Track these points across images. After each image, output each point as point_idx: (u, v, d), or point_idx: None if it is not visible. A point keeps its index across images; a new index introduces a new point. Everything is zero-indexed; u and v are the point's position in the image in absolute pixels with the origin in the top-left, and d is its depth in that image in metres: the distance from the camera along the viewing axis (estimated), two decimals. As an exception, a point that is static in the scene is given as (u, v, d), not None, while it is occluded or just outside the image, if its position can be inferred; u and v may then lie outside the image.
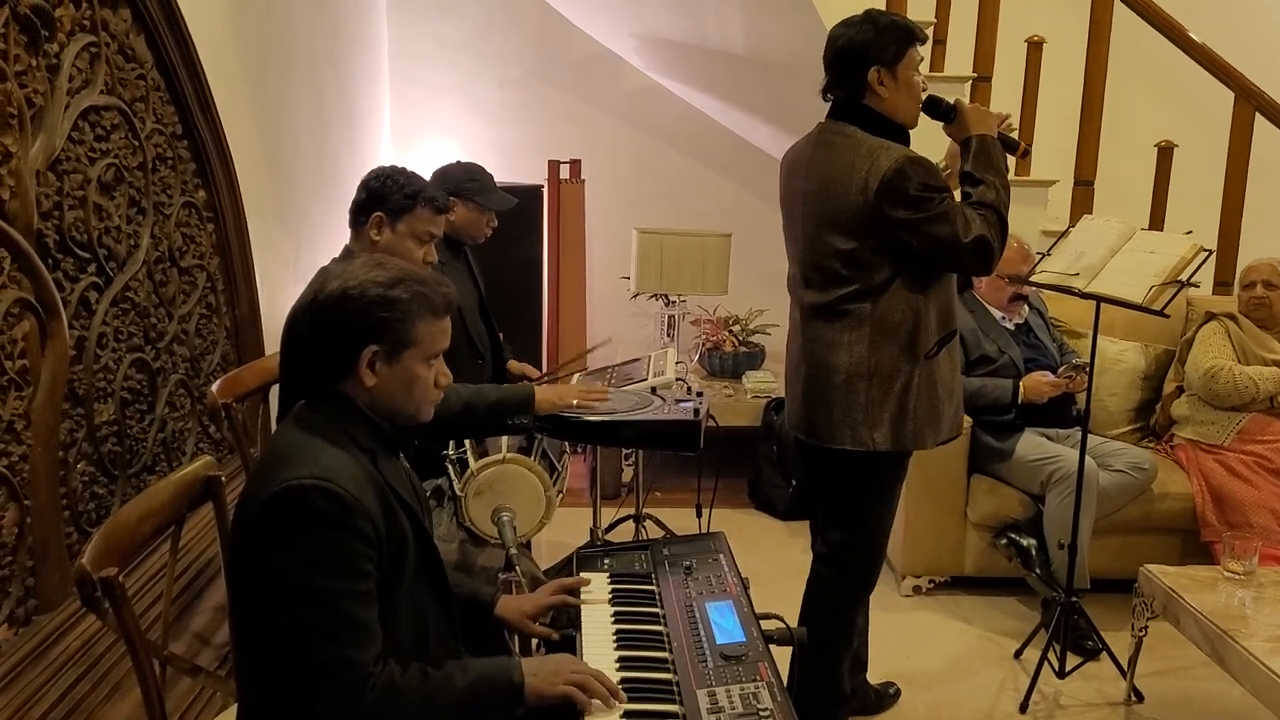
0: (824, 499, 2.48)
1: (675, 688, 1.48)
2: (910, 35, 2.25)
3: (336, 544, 1.35)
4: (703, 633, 1.61)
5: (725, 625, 1.62)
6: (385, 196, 2.30)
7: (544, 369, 4.58)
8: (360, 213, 2.33)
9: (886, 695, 2.77)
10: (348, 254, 2.36)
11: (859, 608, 2.54)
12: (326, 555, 1.35)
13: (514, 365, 3.08)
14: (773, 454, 4.18)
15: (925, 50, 3.24)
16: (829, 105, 2.34)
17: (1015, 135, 2.42)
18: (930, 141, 2.57)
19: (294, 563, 1.34)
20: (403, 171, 2.35)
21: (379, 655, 1.38)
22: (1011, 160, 2.40)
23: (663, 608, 1.72)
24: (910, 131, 2.31)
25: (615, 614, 1.71)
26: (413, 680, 1.40)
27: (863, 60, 2.22)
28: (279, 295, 3.15)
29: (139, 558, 2.06)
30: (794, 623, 2.43)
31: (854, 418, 2.27)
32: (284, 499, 1.35)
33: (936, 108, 2.33)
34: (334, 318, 1.44)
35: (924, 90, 2.30)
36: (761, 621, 1.66)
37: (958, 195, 2.29)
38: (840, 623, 2.48)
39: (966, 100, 2.41)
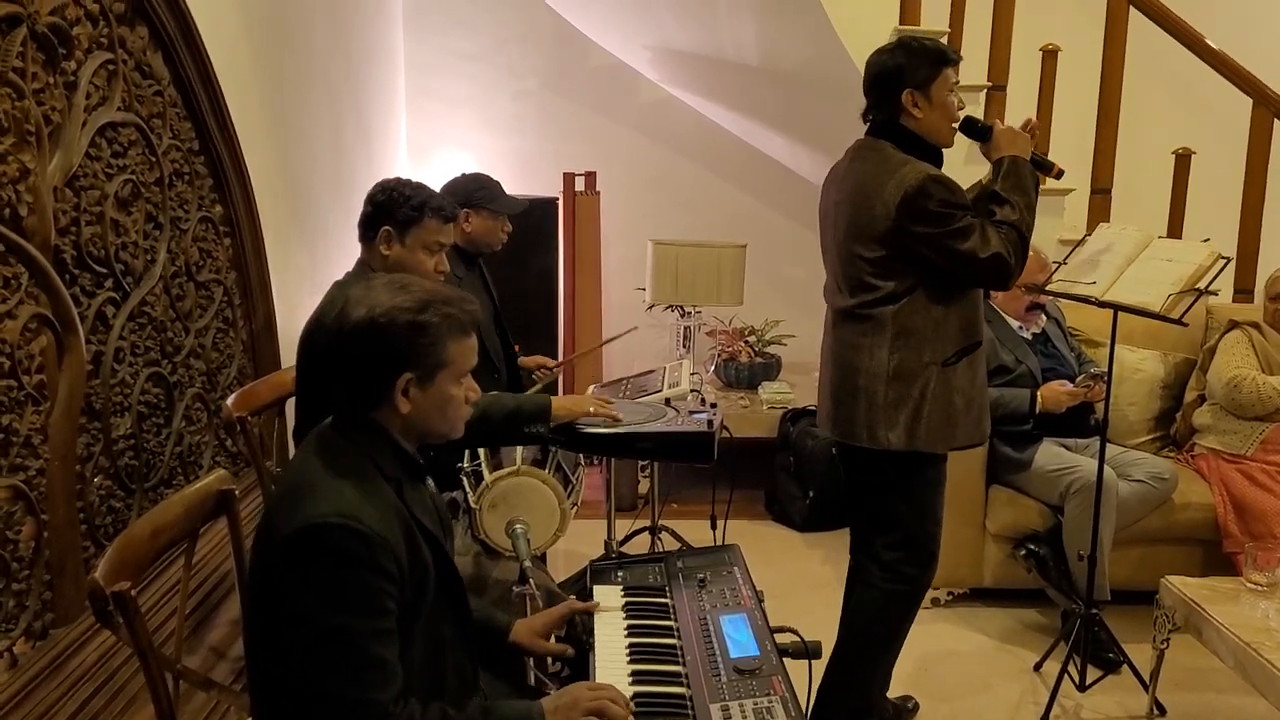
0: (866, 501, 2.54)
1: (688, 702, 1.47)
2: (942, 58, 2.34)
3: (359, 582, 1.34)
4: (716, 646, 1.61)
5: (739, 639, 1.62)
6: (391, 210, 2.30)
7: (560, 356, 4.58)
8: (368, 228, 2.34)
9: (905, 710, 2.75)
10: (361, 268, 2.37)
11: (907, 614, 2.55)
12: (349, 594, 1.34)
13: (526, 360, 3.08)
14: (790, 465, 4.16)
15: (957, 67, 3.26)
16: (866, 126, 2.44)
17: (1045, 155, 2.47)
18: (961, 160, 2.60)
19: (316, 601, 1.33)
20: (407, 183, 2.35)
21: (399, 695, 1.37)
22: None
23: (676, 621, 1.72)
24: (945, 151, 2.41)
25: (629, 627, 1.70)
26: None
27: (896, 83, 2.34)
28: (295, 308, 3.17)
29: (155, 571, 2.07)
30: (828, 630, 2.45)
31: (873, 417, 2.37)
32: (307, 537, 1.34)
33: (973, 127, 2.43)
34: (365, 348, 1.42)
35: (961, 109, 2.39)
36: (776, 635, 1.65)
37: None
38: (887, 626, 2.52)
39: (1003, 121, 2.48)
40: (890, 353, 2.34)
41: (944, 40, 3.72)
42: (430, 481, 1.60)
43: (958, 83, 2.38)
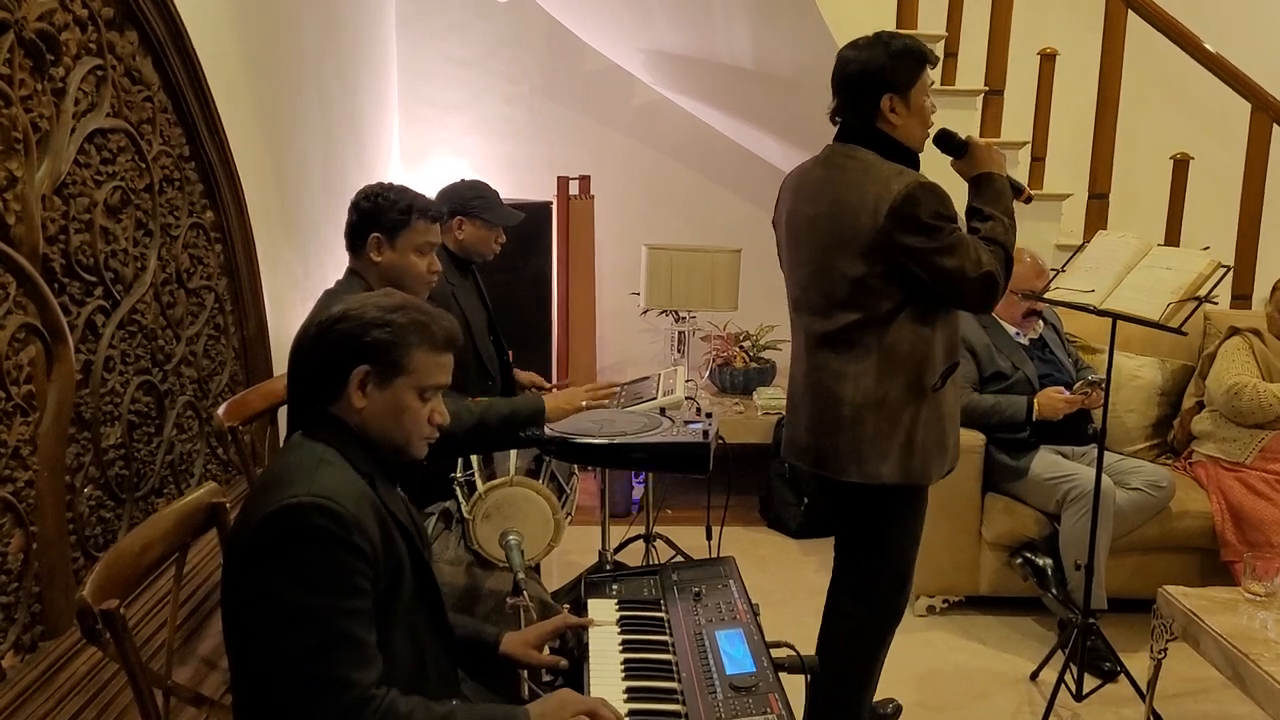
0: (843, 531, 2.45)
1: (684, 720, 1.46)
2: (923, 59, 2.21)
3: (333, 561, 1.34)
4: (712, 662, 1.59)
5: (735, 654, 1.60)
6: (379, 216, 2.29)
7: (554, 380, 4.56)
8: (356, 236, 2.32)
9: (886, 715, 2.72)
10: (351, 277, 2.35)
11: (886, 636, 2.47)
12: (323, 573, 1.33)
13: (521, 375, 3.06)
14: (784, 471, 4.14)
15: (934, 76, 3.21)
16: (836, 127, 2.30)
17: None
18: (938, 168, 2.56)
19: (290, 581, 1.32)
20: (391, 187, 2.34)
21: (380, 679, 1.36)
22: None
23: (672, 636, 1.70)
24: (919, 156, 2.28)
25: (623, 642, 1.68)
26: (418, 713, 1.37)
27: (876, 86, 2.18)
28: (287, 315, 3.14)
29: (145, 582, 2.04)
30: (811, 648, 2.42)
31: (861, 450, 2.23)
32: (281, 517, 1.33)
33: (949, 142, 2.29)
34: (331, 337, 1.45)
35: (934, 112, 2.27)
36: (772, 650, 1.63)
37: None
38: (865, 653, 2.43)
39: (978, 134, 2.39)
40: (878, 380, 2.19)
41: (940, 45, 3.71)
42: (400, 488, 1.59)
43: (933, 83, 2.28)
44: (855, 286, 2.18)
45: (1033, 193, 2.40)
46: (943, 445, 2.27)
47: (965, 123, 3.73)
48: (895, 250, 2.12)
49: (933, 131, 2.28)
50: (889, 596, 2.40)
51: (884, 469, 2.22)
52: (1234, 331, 3.39)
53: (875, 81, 2.18)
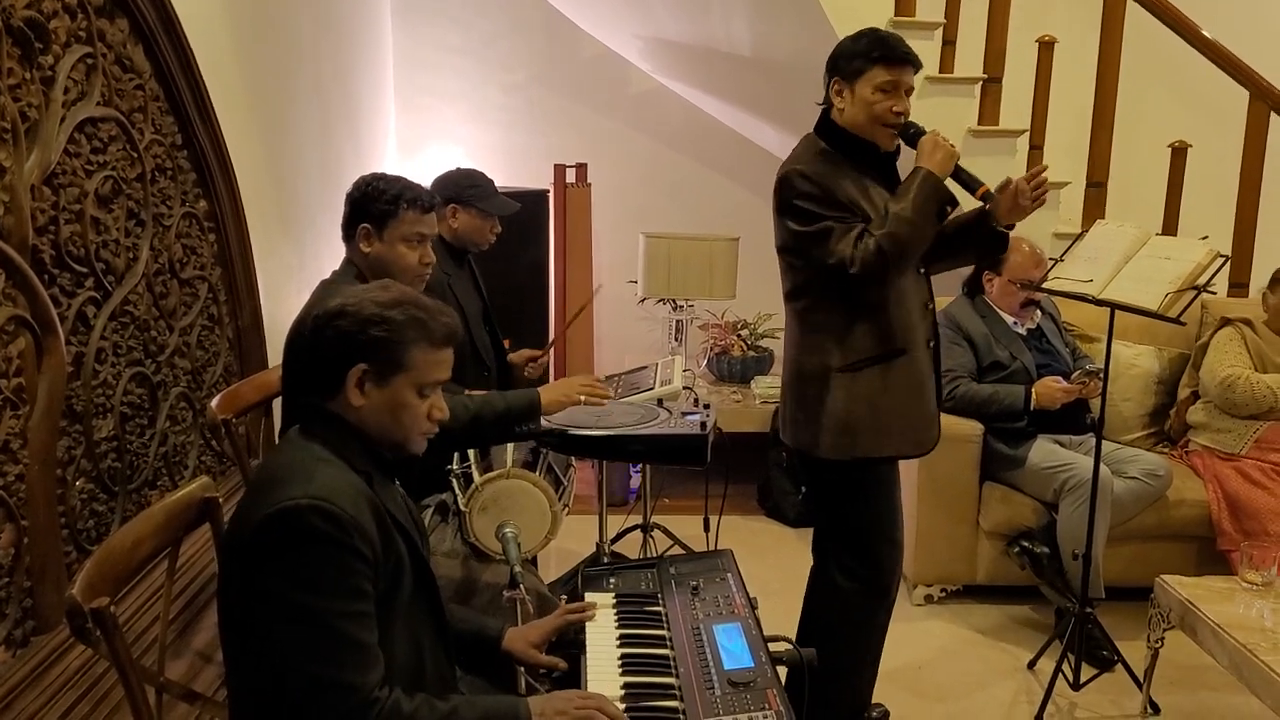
0: (821, 507, 2.49)
1: (681, 716, 1.45)
2: (874, 56, 2.19)
3: (335, 564, 1.33)
4: (710, 657, 1.58)
5: (733, 649, 1.59)
6: (367, 207, 2.25)
7: (551, 376, 4.54)
8: (348, 226, 2.30)
9: None
10: (347, 266, 2.33)
11: (872, 615, 2.47)
12: (325, 575, 1.32)
13: (514, 357, 3.03)
14: (782, 460, 4.14)
15: (932, 64, 3.16)
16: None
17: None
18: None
19: (291, 584, 1.31)
20: (382, 177, 2.30)
21: (383, 681, 1.35)
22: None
23: (669, 630, 1.69)
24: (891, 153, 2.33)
25: (621, 637, 1.68)
26: (421, 711, 1.36)
27: (830, 69, 2.28)
28: (282, 306, 3.12)
29: (137, 578, 2.03)
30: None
31: (790, 417, 2.37)
32: (280, 519, 1.32)
33: (906, 132, 2.28)
34: (327, 334, 1.43)
35: (897, 114, 2.22)
36: (770, 644, 1.62)
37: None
38: (854, 632, 2.43)
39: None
40: (801, 350, 2.32)
41: (939, 32, 3.69)
42: (398, 482, 1.58)
43: (894, 83, 2.20)
44: (782, 260, 2.34)
45: (991, 189, 2.26)
46: (850, 427, 2.27)
47: (963, 110, 3.72)
48: (784, 233, 2.25)
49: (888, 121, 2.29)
50: (875, 569, 2.41)
51: (803, 436, 2.34)
52: (1225, 322, 3.37)
53: (830, 64, 2.28)
